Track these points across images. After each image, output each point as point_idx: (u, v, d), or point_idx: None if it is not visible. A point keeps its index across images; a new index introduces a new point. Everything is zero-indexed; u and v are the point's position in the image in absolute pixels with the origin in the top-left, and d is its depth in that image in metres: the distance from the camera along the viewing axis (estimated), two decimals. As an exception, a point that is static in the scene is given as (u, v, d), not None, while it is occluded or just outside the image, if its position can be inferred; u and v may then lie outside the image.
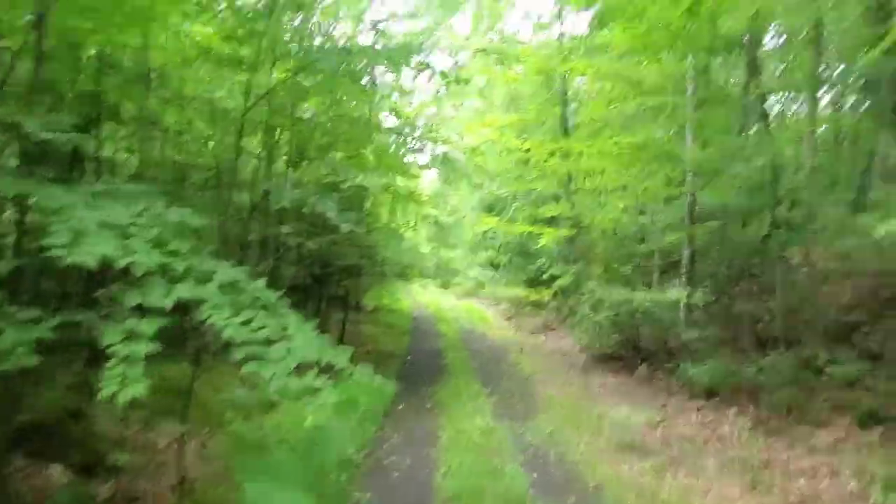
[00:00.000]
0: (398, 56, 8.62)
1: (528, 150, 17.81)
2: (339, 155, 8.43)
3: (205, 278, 3.03)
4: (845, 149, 16.48)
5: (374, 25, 9.45)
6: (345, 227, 5.09)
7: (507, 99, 25.54)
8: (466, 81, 6.46)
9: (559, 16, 24.10)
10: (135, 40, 5.41)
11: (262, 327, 2.94)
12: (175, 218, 3.20)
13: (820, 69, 13.93)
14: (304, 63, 5.69)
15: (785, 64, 14.74)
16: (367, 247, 11.60)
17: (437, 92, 25.33)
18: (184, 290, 3.01)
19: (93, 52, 5.48)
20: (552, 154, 15.21)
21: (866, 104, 15.33)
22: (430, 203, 22.48)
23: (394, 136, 7.91)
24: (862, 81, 14.22)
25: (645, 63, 10.91)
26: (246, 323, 2.89)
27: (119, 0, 4.54)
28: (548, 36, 24.71)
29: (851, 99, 16.92)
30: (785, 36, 12.77)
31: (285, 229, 6.51)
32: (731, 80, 13.90)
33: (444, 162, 9.75)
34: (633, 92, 10.77)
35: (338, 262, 9.92)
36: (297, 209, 7.52)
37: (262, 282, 3.19)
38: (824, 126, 15.83)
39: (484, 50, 18.43)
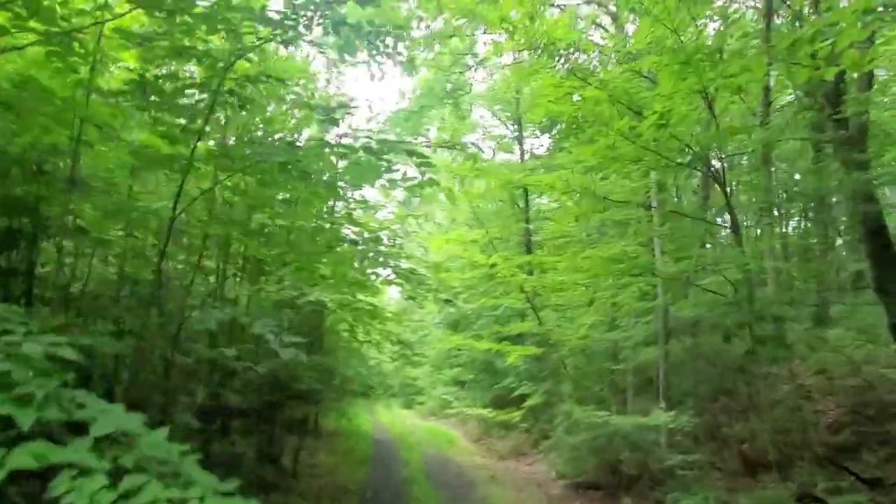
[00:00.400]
0: (366, 173, 8.39)
1: (493, 266, 17.59)
2: (294, 268, 7.83)
3: (73, 430, 2.24)
4: (802, 263, 16.76)
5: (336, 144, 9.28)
6: (285, 354, 4.36)
7: (470, 215, 25.81)
8: (435, 183, 6.09)
9: (520, 138, 25.13)
10: (64, 141, 4.91)
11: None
12: (35, 350, 2.42)
13: (773, 185, 14.38)
14: (247, 163, 5.18)
15: (740, 182, 15.18)
16: (324, 370, 10.72)
17: (403, 206, 25.44)
18: (22, 457, 2.06)
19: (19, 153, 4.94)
20: (519, 268, 14.93)
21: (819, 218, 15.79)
22: (393, 320, 21.78)
23: (357, 250, 7.40)
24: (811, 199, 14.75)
25: (611, 178, 10.97)
26: (128, 497, 2.05)
27: (44, 96, 4.10)
28: (509, 158, 25.61)
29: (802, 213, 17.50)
30: (745, 155, 13.15)
31: (229, 352, 5.74)
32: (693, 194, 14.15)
33: (409, 278, 9.25)
34: (599, 206, 10.71)
35: (293, 387, 9.02)
36: (242, 330, 6.82)
37: (162, 432, 2.37)
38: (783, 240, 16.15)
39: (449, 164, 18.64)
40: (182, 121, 4.77)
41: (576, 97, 8.38)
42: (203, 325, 4.77)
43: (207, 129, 5.28)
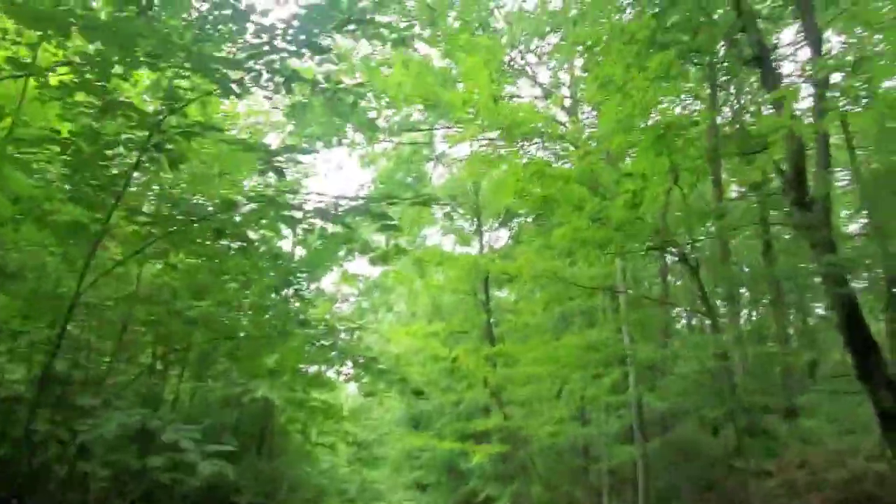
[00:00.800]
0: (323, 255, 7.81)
1: (454, 360, 16.85)
2: (239, 358, 6.94)
3: None
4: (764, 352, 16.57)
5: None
6: (206, 468, 3.51)
7: (430, 308, 25.23)
8: (402, 250, 5.52)
9: (479, 231, 25.10)
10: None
11: None
12: None
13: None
14: (171, 227, 4.43)
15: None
16: (270, 479, 9.60)
17: (359, 298, 24.70)
18: None
19: None
20: (485, 359, 14.24)
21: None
22: (350, 419, 20.49)
23: (307, 334, 6.61)
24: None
25: (578, 264, 10.67)
26: None
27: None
28: (468, 251, 25.44)
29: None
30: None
31: (155, 461, 4.80)
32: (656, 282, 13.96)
33: (368, 370, 8.47)
34: (566, 293, 10.31)
35: (233, 500, 7.91)
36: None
37: None
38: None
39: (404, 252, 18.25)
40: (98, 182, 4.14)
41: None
42: (97, 431, 3.87)
43: (131, 188, 4.66)
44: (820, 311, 13.38)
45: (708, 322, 10.39)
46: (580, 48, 9.56)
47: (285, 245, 12.25)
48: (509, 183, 8.55)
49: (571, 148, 11.72)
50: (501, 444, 16.36)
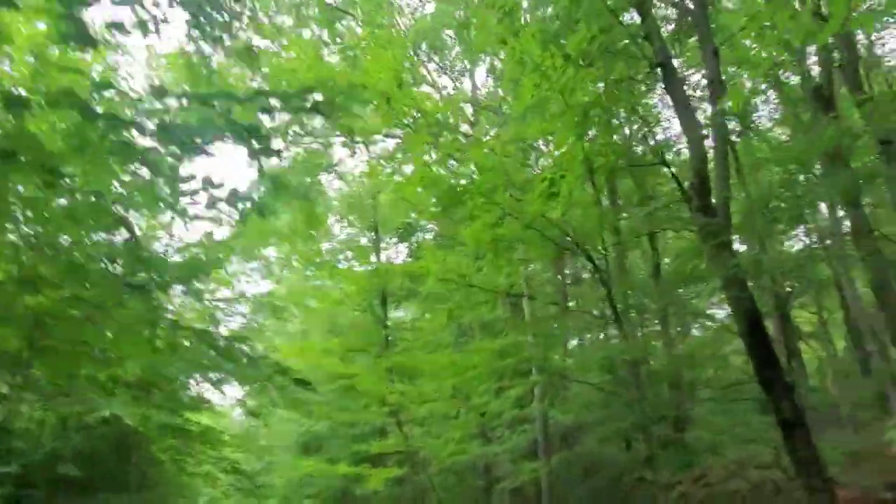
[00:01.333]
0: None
1: (352, 377, 15.86)
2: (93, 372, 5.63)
3: None
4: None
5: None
6: None
7: (326, 325, 24.07)
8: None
9: (377, 247, 24.25)
10: None
11: None
12: None
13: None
14: None
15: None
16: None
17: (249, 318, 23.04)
18: None
19: None
20: (386, 372, 13.36)
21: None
22: (233, 444, 18.80)
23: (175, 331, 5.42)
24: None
25: (483, 269, 10.13)
26: None
27: None
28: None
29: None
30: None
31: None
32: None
33: (254, 369, 7.34)
34: (473, 299, 9.73)
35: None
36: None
37: None
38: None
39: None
40: None
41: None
42: None
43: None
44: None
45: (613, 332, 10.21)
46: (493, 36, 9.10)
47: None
48: (415, 178, 7.83)
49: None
50: (399, 466, 15.46)
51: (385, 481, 15.88)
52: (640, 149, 12.48)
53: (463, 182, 7.60)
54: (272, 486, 27.23)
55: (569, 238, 8.09)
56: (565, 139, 6.49)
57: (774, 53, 10.90)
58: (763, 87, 14.28)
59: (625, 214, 12.57)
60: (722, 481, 11.34)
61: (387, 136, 12.29)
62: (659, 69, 9.76)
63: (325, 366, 17.46)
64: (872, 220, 12.03)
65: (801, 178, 10.73)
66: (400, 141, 11.19)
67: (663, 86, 10.35)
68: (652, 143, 12.11)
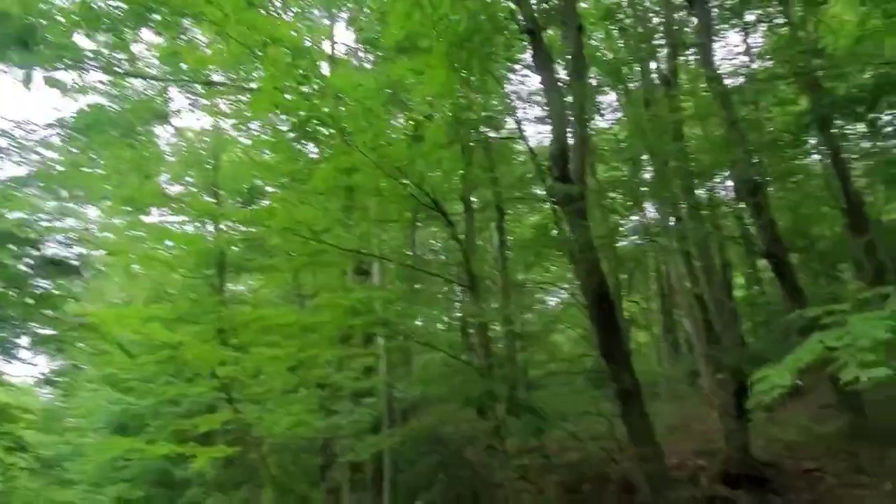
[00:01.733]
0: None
1: (178, 346, 14.25)
2: None
3: None
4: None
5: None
6: None
7: (153, 292, 21.81)
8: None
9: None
10: None
11: None
12: None
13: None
14: None
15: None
16: None
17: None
18: None
19: None
20: (217, 334, 12.09)
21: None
22: (29, 423, 16.35)
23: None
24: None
25: (333, 230, 9.29)
26: None
27: None
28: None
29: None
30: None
31: None
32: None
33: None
34: (325, 257, 8.91)
35: None
36: None
37: None
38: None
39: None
40: None
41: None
42: None
43: None
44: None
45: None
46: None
47: None
48: (266, 94, 6.78)
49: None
50: (229, 445, 14.21)
51: (212, 462, 14.59)
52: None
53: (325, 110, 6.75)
54: (83, 471, 24.25)
55: (428, 195, 7.61)
56: (437, 78, 5.97)
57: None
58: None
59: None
60: (559, 452, 11.65)
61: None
62: (528, 35, 9.60)
63: (149, 333, 15.60)
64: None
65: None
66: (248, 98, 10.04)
67: (531, 53, 10.27)
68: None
